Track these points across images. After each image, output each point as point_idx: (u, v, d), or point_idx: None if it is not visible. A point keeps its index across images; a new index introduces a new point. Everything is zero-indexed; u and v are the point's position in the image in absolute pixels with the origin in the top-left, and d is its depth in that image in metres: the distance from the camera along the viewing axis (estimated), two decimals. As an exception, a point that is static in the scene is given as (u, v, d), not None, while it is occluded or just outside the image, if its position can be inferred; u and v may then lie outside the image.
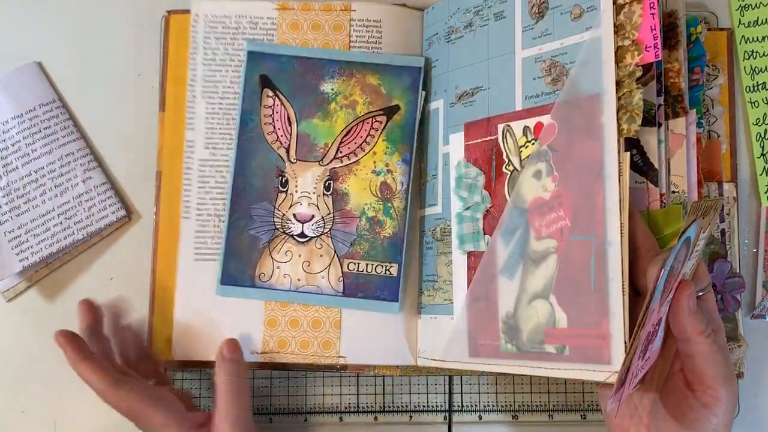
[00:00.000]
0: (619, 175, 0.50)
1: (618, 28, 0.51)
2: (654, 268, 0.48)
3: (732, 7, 0.70)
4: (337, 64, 0.66)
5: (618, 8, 0.51)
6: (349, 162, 0.65)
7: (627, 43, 0.50)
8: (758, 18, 0.69)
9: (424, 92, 0.65)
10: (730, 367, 0.50)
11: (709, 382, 0.49)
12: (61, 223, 0.68)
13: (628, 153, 0.50)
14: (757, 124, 0.69)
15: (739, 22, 0.70)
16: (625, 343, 0.48)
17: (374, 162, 0.65)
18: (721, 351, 0.50)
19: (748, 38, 0.69)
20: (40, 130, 0.69)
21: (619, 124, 0.50)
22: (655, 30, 0.50)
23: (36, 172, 0.68)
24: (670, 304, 0.48)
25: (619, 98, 0.50)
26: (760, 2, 0.69)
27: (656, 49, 0.50)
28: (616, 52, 0.50)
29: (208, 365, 0.63)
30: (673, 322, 0.49)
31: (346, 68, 0.66)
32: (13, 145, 0.68)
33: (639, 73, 0.50)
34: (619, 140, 0.50)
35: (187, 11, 0.69)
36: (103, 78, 0.72)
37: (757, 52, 0.69)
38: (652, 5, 0.50)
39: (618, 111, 0.50)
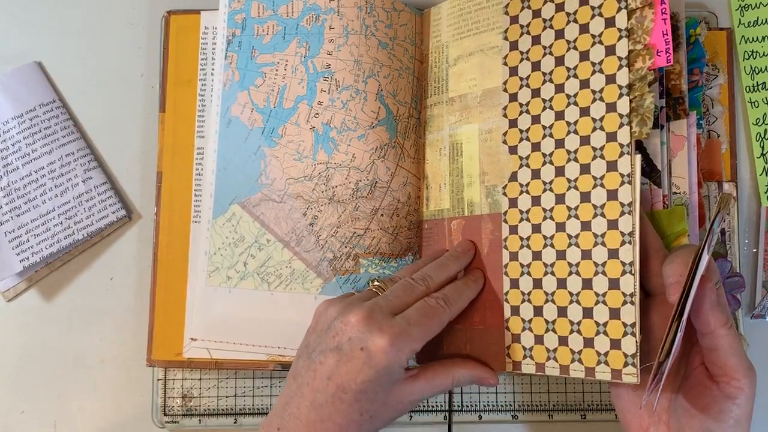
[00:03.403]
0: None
1: (629, 32, 0.51)
2: (676, 265, 0.48)
3: (732, 7, 0.70)
4: None
5: (629, 13, 0.51)
6: None
7: (639, 47, 0.50)
8: (758, 18, 0.69)
9: None
10: (748, 357, 0.50)
11: (732, 372, 0.49)
12: (61, 223, 0.68)
13: (639, 155, 0.50)
14: (757, 124, 0.69)
15: (739, 22, 0.70)
16: (637, 342, 0.49)
17: None
18: (739, 341, 0.50)
19: (748, 38, 0.70)
20: (40, 130, 0.69)
21: (630, 127, 0.50)
22: (667, 35, 0.50)
23: (36, 172, 0.68)
24: (693, 299, 0.49)
25: (630, 101, 0.50)
26: (760, 2, 0.70)
27: (668, 54, 0.50)
28: (627, 56, 0.50)
29: (219, 364, 0.64)
30: (697, 315, 0.49)
31: None
32: (13, 145, 0.68)
33: (650, 77, 0.50)
34: (630, 142, 0.50)
35: (188, 12, 0.69)
36: (103, 78, 0.72)
37: (757, 52, 0.69)
38: (663, 11, 0.50)
39: (629, 114, 0.50)
